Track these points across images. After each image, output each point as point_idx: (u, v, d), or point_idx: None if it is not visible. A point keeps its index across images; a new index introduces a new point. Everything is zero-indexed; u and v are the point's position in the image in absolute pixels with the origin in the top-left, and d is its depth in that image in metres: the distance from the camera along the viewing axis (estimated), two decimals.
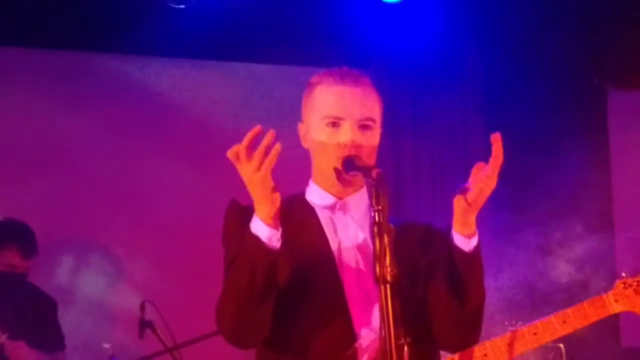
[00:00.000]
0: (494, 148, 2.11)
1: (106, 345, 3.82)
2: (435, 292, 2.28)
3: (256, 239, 2.08)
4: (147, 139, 5.01)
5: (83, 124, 4.92)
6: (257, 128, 2.02)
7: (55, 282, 4.71)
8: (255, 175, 2.02)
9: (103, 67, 5.02)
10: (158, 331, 3.92)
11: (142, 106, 5.06)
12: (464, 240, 2.17)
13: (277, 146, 2.00)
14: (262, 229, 2.09)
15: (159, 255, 4.78)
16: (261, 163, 2.01)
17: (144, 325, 3.93)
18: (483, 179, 2.13)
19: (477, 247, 2.19)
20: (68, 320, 4.45)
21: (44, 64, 4.94)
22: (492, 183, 2.13)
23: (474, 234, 2.17)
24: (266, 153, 2.01)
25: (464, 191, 2.14)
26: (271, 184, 2.04)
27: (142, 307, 3.97)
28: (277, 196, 2.07)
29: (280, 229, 2.11)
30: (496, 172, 2.12)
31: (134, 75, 5.08)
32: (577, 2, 5.03)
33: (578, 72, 5.08)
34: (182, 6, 4.73)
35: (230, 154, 2.03)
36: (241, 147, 2.01)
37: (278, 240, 2.11)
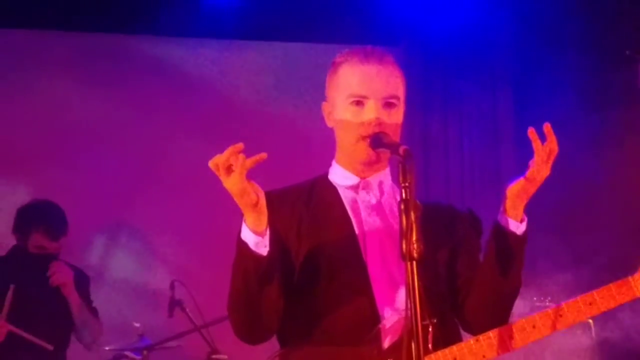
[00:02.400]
0: (548, 139, 2.15)
1: (136, 324, 3.85)
2: (472, 269, 2.30)
3: (245, 245, 2.12)
4: (177, 119, 5.02)
5: (114, 106, 4.94)
6: (239, 146, 2.02)
7: (87, 262, 4.76)
8: (233, 187, 2.03)
9: (135, 49, 5.04)
10: (187, 310, 3.94)
11: (173, 87, 5.07)
12: (516, 224, 2.23)
13: (242, 156, 2.01)
14: (249, 236, 2.12)
15: (189, 234, 4.80)
16: (239, 176, 2.01)
17: (174, 304, 3.96)
18: (536, 169, 2.17)
19: (526, 232, 2.25)
20: (99, 299, 4.47)
21: (76, 46, 4.96)
22: (545, 172, 2.18)
23: (523, 219, 2.24)
24: (243, 166, 2.01)
25: (516, 182, 2.21)
26: (251, 196, 2.06)
27: (172, 286, 3.99)
28: (262, 204, 2.09)
29: (268, 235, 2.14)
30: (549, 161, 2.17)
31: (166, 56, 5.09)
32: None
33: (609, 44, 4.95)
34: None
35: (210, 164, 2.04)
36: (221, 160, 2.02)
37: (265, 246, 2.13)
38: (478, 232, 2.39)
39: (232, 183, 2.02)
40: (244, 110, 4.97)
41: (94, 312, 4.28)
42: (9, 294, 3.92)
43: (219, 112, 5.01)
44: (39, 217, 4.14)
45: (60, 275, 4.02)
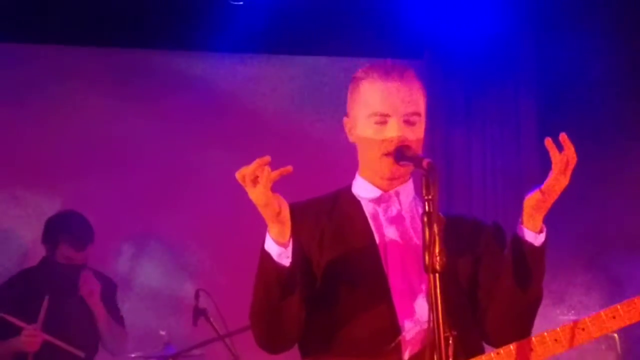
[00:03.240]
0: (565, 149, 2.14)
1: (162, 332, 3.87)
2: (493, 281, 2.29)
3: (268, 256, 2.13)
4: (204, 132, 5.06)
5: (143, 119, 4.98)
6: (266, 159, 2.04)
7: (115, 270, 4.79)
8: (258, 199, 2.05)
9: (164, 64, 5.08)
10: (211, 319, 3.96)
11: (200, 100, 5.10)
12: (534, 235, 2.22)
13: (268, 168, 2.03)
14: (273, 247, 2.13)
15: (214, 244, 4.82)
16: (264, 188, 2.04)
17: (198, 313, 3.97)
18: (551, 178, 2.16)
19: (545, 243, 2.23)
20: (126, 308, 4.51)
21: (108, 62, 5.01)
22: (563, 183, 2.16)
23: (542, 230, 2.22)
24: (268, 179, 2.04)
25: (534, 192, 2.19)
26: (275, 207, 2.08)
27: (197, 296, 4.01)
28: (285, 216, 2.11)
29: (291, 246, 2.15)
30: (568, 171, 2.15)
31: (193, 71, 5.13)
32: None
33: (633, 56, 4.90)
34: (241, 2, 4.74)
35: (237, 175, 2.06)
36: (247, 171, 2.04)
37: (287, 257, 2.14)
38: (502, 245, 2.37)
39: (257, 194, 2.04)
40: (269, 122, 4.99)
41: (120, 320, 4.33)
42: (44, 304, 4.00)
43: (245, 125, 5.04)
44: (64, 228, 4.21)
45: (86, 286, 4.09)
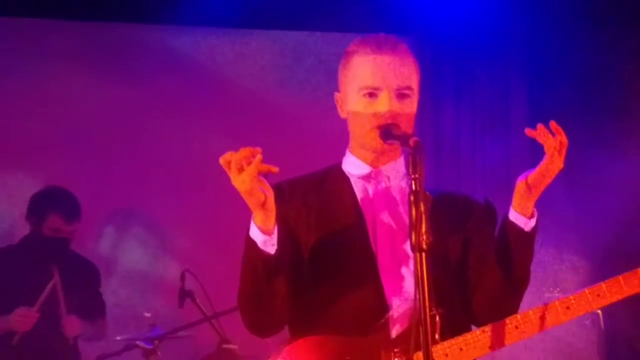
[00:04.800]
0: (557, 134, 2.15)
1: (147, 314, 3.89)
2: (482, 261, 2.31)
3: (253, 243, 2.13)
4: (189, 110, 5.04)
5: (126, 97, 4.96)
6: (257, 150, 2.03)
7: (99, 252, 4.80)
8: (242, 186, 2.04)
9: (147, 38, 5.06)
10: (197, 300, 3.98)
11: (184, 77, 5.08)
12: (525, 220, 2.23)
13: (258, 158, 2.01)
14: (258, 235, 2.13)
15: (199, 226, 4.83)
16: (249, 178, 2.02)
17: (184, 294, 4.00)
18: (544, 163, 2.17)
19: (535, 228, 2.25)
20: (111, 289, 4.54)
21: (88, 37, 4.98)
22: (555, 167, 2.18)
23: (533, 215, 2.23)
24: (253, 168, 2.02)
25: (527, 176, 2.20)
26: (260, 195, 2.07)
27: (182, 277, 4.03)
28: (270, 203, 2.10)
29: (276, 234, 2.14)
30: (562, 154, 2.16)
31: (178, 45, 5.11)
32: None
33: (624, 41, 4.93)
34: None
35: (222, 160, 2.04)
36: (234, 158, 2.03)
37: (273, 245, 2.14)
38: (493, 222, 2.38)
39: (241, 181, 2.03)
40: (263, 100, 5.00)
41: (101, 308, 4.34)
42: (48, 287, 4.01)
43: (230, 102, 5.04)
44: (55, 200, 4.20)
45: (69, 331, 4.10)
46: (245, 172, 2.02)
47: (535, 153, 2.23)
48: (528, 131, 2.17)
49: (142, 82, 4.99)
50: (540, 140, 2.17)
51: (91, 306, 4.29)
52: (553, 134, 2.17)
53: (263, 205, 2.08)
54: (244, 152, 2.03)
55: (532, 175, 2.20)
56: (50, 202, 4.21)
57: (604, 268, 4.21)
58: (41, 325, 4.02)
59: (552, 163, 2.17)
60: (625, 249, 4.33)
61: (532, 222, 2.24)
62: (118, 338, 3.99)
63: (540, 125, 2.16)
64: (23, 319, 3.98)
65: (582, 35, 4.94)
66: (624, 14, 4.93)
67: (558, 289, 4.22)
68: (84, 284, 4.29)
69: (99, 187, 4.81)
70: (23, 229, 4.33)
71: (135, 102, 4.97)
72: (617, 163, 4.67)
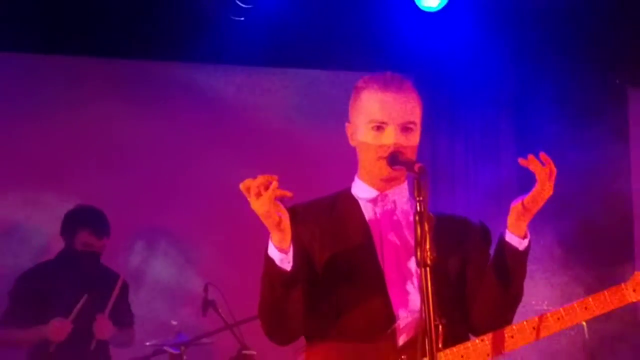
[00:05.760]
0: (547, 164, 2.16)
1: (174, 322, 3.88)
2: (480, 278, 2.31)
3: (271, 261, 2.14)
4: (210, 137, 5.06)
5: (153, 125, 4.98)
6: (274, 177, 2.05)
7: (129, 266, 4.78)
8: (259, 209, 2.05)
9: (170, 74, 5.09)
10: (219, 310, 3.97)
11: (205, 107, 5.10)
12: (519, 240, 2.24)
13: (274, 185, 2.03)
14: (275, 253, 2.14)
15: (221, 241, 4.82)
16: (266, 202, 2.03)
17: (207, 304, 3.98)
18: (536, 190, 2.18)
19: (528, 247, 2.25)
20: (140, 299, 4.51)
21: (123, 73, 5.01)
22: (546, 193, 2.18)
23: (526, 236, 2.24)
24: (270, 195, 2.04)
25: (521, 200, 2.21)
26: (275, 218, 2.07)
27: (206, 288, 4.02)
28: (285, 224, 2.10)
29: (291, 252, 2.15)
30: (551, 182, 2.17)
31: (199, 80, 5.13)
32: (602, 8, 4.90)
33: (600, 74, 4.96)
34: (242, 18, 4.76)
35: (242, 186, 2.06)
36: (253, 184, 2.04)
37: (289, 262, 2.15)
38: (487, 242, 2.39)
39: (259, 205, 2.04)
40: (268, 128, 5.02)
41: (130, 319, 4.30)
42: (82, 301, 3.99)
43: (246, 131, 5.05)
44: (85, 217, 4.19)
45: (101, 333, 4.06)
46: (262, 197, 2.04)
47: (524, 174, 2.23)
48: (521, 161, 2.18)
49: (166, 113, 5.02)
50: (531, 168, 2.18)
51: (121, 316, 4.26)
52: (543, 164, 2.17)
53: (278, 225, 2.09)
54: (262, 179, 2.04)
55: (527, 199, 2.20)
56: (82, 219, 4.20)
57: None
58: (75, 335, 3.99)
59: (543, 189, 2.18)
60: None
61: (526, 242, 2.25)
62: (148, 344, 3.98)
63: (531, 156, 2.17)
64: (58, 329, 3.95)
65: (558, 66, 4.93)
66: (607, 57, 4.95)
67: (546, 302, 4.20)
68: (115, 295, 4.28)
69: (129, 207, 4.81)
70: (59, 244, 4.32)
71: (162, 132, 4.99)
72: (593, 182, 4.68)
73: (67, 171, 4.81)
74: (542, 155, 2.18)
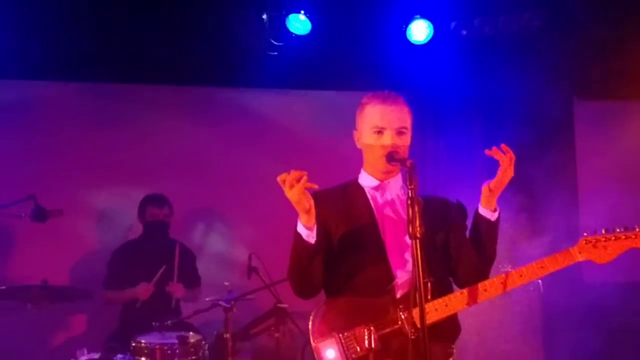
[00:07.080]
0: (507, 154, 2.18)
1: (226, 283, 3.87)
2: (461, 244, 2.31)
3: (299, 236, 2.18)
4: (254, 146, 5.04)
5: (210, 139, 4.97)
6: (304, 173, 2.07)
7: (194, 241, 4.80)
8: (293, 197, 2.08)
9: (225, 97, 5.07)
10: (260, 273, 3.96)
11: (247, 123, 5.08)
12: (490, 213, 2.26)
13: (304, 179, 2.05)
14: (302, 230, 2.17)
15: (261, 222, 4.81)
16: (298, 192, 2.06)
17: (251, 269, 3.97)
18: (500, 173, 2.19)
19: (498, 219, 2.28)
20: (201, 266, 4.53)
21: (187, 97, 4.99)
22: (508, 175, 2.20)
23: (496, 210, 2.27)
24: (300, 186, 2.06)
25: (489, 182, 2.24)
26: (305, 204, 2.10)
27: (250, 257, 4.00)
28: (312, 208, 2.13)
29: (315, 229, 2.17)
30: (512, 166, 2.19)
31: (241, 102, 5.12)
32: (555, 34, 4.79)
33: (550, 86, 4.83)
34: (275, 53, 4.76)
35: (279, 179, 2.09)
36: (288, 178, 2.06)
37: (313, 237, 2.17)
38: (464, 216, 2.40)
39: (293, 194, 2.07)
40: (300, 139, 5.01)
41: (197, 281, 4.33)
42: (160, 271, 4.05)
43: (278, 139, 5.05)
44: (149, 198, 4.33)
45: (174, 293, 4.10)
46: (295, 188, 2.06)
47: (490, 163, 2.22)
48: (487, 151, 2.19)
49: (220, 128, 5.00)
50: (495, 157, 2.19)
51: (190, 278, 4.30)
52: (504, 153, 2.18)
53: (307, 210, 2.12)
54: (295, 174, 2.07)
55: (493, 182, 2.22)
56: (148, 200, 4.31)
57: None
58: (155, 294, 4.05)
59: (506, 172, 2.19)
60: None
61: (496, 214, 2.27)
62: (207, 299, 3.97)
63: (494, 147, 2.19)
64: (144, 290, 4.04)
65: (519, 83, 4.83)
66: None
67: (510, 265, 4.14)
68: (186, 263, 4.29)
69: (193, 196, 4.82)
70: (139, 227, 4.36)
71: (216, 141, 4.98)
72: (542, 186, 4.59)
73: (148, 172, 4.82)
74: (503, 146, 2.19)
